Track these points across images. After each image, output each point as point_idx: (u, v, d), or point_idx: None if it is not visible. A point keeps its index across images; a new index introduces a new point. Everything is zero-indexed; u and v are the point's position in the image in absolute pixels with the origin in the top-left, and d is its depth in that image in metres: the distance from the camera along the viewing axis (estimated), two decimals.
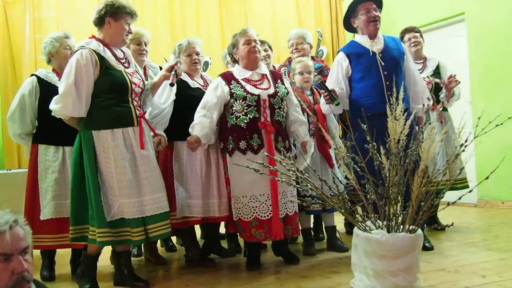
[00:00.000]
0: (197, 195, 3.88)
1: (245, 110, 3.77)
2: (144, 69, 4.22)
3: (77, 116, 3.36)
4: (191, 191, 3.88)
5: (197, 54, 4.17)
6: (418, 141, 2.78)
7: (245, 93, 3.79)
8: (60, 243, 3.81)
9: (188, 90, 4.01)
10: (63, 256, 4.12)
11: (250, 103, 3.77)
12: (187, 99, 3.94)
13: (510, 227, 4.98)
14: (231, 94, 3.80)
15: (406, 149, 2.81)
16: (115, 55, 3.47)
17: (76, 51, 3.40)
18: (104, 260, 4.06)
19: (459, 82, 4.85)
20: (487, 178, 2.76)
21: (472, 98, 6.57)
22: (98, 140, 3.33)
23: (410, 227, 2.75)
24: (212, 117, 3.79)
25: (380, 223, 2.79)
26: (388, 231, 2.75)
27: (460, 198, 2.80)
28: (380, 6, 4.14)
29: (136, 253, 4.57)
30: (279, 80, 4.01)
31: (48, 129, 3.85)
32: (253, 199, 3.74)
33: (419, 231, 2.76)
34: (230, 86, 3.83)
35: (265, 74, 3.98)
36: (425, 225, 4.53)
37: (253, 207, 3.74)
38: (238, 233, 3.93)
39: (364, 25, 4.10)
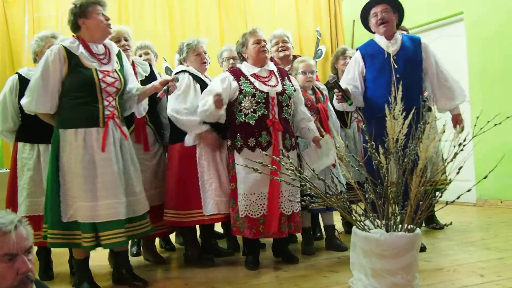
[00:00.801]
0: (227, 192, 3.93)
1: (253, 107, 3.78)
2: (133, 65, 4.16)
3: (42, 112, 3.36)
4: (222, 189, 3.91)
5: (205, 53, 4.21)
6: (417, 140, 2.78)
7: (254, 90, 3.80)
8: (36, 241, 3.80)
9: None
10: (61, 255, 4.13)
11: (259, 100, 3.78)
12: None
13: (509, 226, 4.99)
14: (240, 91, 3.81)
15: (404, 149, 2.81)
16: (91, 51, 3.40)
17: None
18: (103, 259, 4.06)
19: None
20: (485, 177, 2.77)
21: (471, 97, 6.57)
22: (63, 139, 3.30)
23: (409, 226, 2.76)
24: None
25: (379, 222, 2.79)
26: (387, 230, 2.76)
27: (458, 198, 2.80)
28: (396, 6, 4.20)
29: (134, 252, 4.58)
30: (286, 78, 4.03)
31: (25, 127, 3.87)
32: (262, 196, 3.75)
33: (418, 230, 2.76)
34: (239, 82, 3.84)
35: (273, 71, 4.01)
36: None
37: (261, 204, 3.75)
38: (234, 231, 3.90)
39: (375, 28, 4.20)
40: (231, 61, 4.72)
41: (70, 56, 3.32)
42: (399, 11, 4.22)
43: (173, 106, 3.90)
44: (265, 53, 3.96)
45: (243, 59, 4.05)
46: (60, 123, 3.34)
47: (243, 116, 3.81)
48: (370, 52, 4.22)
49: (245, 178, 3.76)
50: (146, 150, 4.00)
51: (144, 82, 3.93)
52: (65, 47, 3.33)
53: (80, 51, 3.36)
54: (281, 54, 4.73)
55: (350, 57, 5.07)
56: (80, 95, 3.31)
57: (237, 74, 3.91)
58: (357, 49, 4.37)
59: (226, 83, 3.83)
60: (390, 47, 4.13)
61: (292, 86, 4.01)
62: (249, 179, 3.75)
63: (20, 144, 3.89)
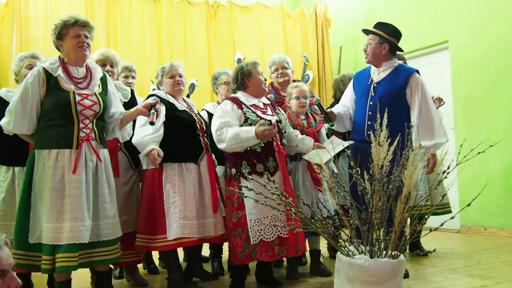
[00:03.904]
0: (192, 216, 3.84)
1: None
2: None
3: (19, 133, 3.39)
4: (186, 212, 3.83)
5: (180, 76, 4.17)
6: (401, 167, 2.80)
7: (259, 118, 3.84)
8: None
9: (176, 112, 4.00)
10: (41, 277, 4.06)
11: None
12: (176, 121, 3.93)
13: (492, 254, 5.01)
14: (246, 119, 3.85)
15: (389, 175, 2.83)
16: (69, 74, 3.42)
17: None
18: (85, 281, 4.01)
19: (443, 103, 4.89)
20: (469, 205, 2.79)
21: (455, 125, 6.64)
22: (37, 159, 3.30)
23: (393, 253, 2.77)
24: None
25: (363, 248, 2.80)
26: (371, 256, 2.76)
27: (442, 224, 2.82)
28: (382, 37, 4.13)
29: (117, 275, 4.52)
30: (277, 108, 4.14)
31: (1, 149, 3.84)
32: (275, 218, 3.75)
33: (402, 256, 2.77)
34: (243, 110, 3.88)
35: (267, 104, 4.09)
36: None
37: (275, 226, 3.75)
38: (243, 260, 3.82)
39: None
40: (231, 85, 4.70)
41: (49, 78, 3.35)
42: (388, 41, 4.11)
43: (135, 133, 3.88)
44: (266, 86, 4.11)
45: (244, 87, 4.04)
46: (36, 144, 3.36)
47: None
48: (361, 77, 4.28)
49: (256, 203, 3.62)
50: (116, 175, 3.87)
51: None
52: (44, 69, 3.36)
53: (58, 73, 3.39)
54: (281, 79, 4.79)
55: None
56: (56, 116, 3.33)
57: (238, 102, 3.93)
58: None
59: (235, 112, 3.87)
60: (376, 74, 4.16)
61: (283, 114, 4.12)
62: (260, 204, 3.69)
63: None
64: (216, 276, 4.37)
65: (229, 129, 3.77)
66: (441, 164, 2.80)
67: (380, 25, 4.19)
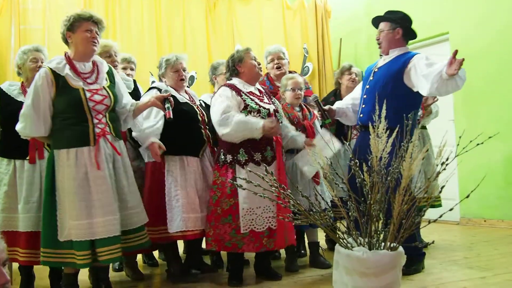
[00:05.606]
0: (196, 208, 3.86)
1: None
2: None
3: (37, 136, 3.40)
4: (189, 205, 3.84)
5: (184, 70, 4.18)
6: (400, 159, 2.79)
7: (258, 106, 3.82)
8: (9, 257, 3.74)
9: (178, 105, 3.99)
10: (42, 270, 4.06)
11: (263, 116, 3.80)
12: (177, 114, 3.90)
13: (492, 246, 5.00)
14: (245, 106, 3.80)
15: (388, 167, 2.81)
16: (76, 71, 3.41)
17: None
18: (82, 274, 4.01)
19: (437, 99, 4.83)
20: (467, 196, 2.78)
21: (455, 117, 6.63)
22: (57, 159, 3.33)
23: (391, 245, 2.76)
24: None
25: (362, 240, 2.79)
26: (370, 249, 2.75)
27: (441, 216, 2.81)
28: (394, 21, 4.08)
29: (117, 268, 4.53)
30: (271, 97, 4.10)
31: (2, 142, 3.84)
32: (267, 209, 3.74)
33: (400, 248, 2.76)
34: (242, 97, 3.83)
35: (262, 91, 4.04)
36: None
37: (266, 217, 3.74)
38: (229, 248, 3.81)
39: None
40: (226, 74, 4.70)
41: (57, 78, 3.35)
42: (401, 25, 4.04)
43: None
44: (261, 72, 4.04)
45: (237, 73, 4.00)
46: (53, 144, 3.38)
47: None
48: (370, 67, 4.26)
49: (250, 192, 3.52)
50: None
51: None
52: (51, 70, 3.35)
53: (66, 72, 3.38)
54: (277, 72, 4.78)
55: (356, 74, 5.12)
56: (69, 115, 3.34)
57: (236, 89, 3.87)
58: None
59: (234, 99, 3.80)
60: (380, 63, 4.12)
61: (278, 105, 4.08)
62: (254, 193, 3.56)
63: None
64: (215, 268, 4.37)
65: (235, 114, 3.72)
66: (440, 155, 2.78)
67: (389, 13, 4.14)
